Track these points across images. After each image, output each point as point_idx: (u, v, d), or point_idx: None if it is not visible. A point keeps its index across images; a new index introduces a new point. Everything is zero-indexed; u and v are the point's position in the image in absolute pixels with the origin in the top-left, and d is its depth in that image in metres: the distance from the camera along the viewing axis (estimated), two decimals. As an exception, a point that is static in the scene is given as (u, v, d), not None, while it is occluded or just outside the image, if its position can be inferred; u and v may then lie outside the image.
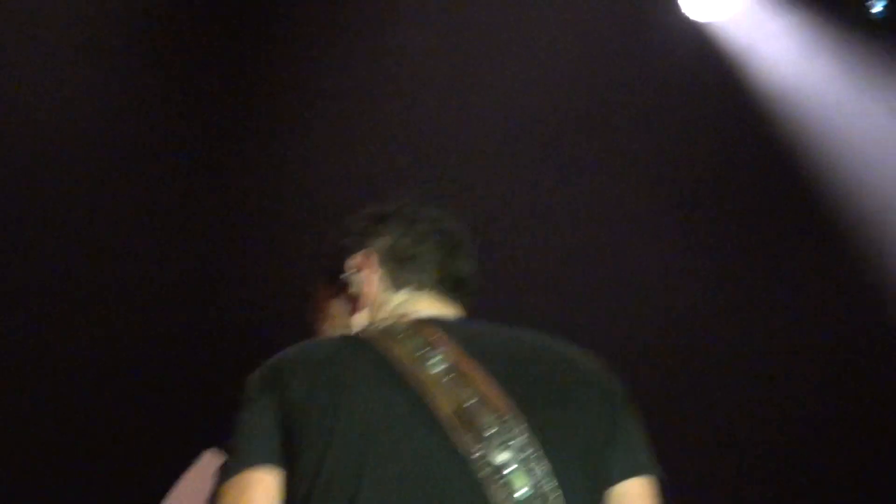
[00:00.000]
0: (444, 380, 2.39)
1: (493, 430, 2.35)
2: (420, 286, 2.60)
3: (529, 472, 2.33)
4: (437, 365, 2.41)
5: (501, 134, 5.61)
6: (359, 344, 2.45)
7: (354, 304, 2.61)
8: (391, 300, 2.60)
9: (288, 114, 5.68)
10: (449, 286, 2.62)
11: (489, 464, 2.33)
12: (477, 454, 2.33)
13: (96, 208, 5.49)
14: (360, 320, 2.60)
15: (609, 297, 5.67)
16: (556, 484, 2.34)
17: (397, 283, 2.61)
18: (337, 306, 2.64)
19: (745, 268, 5.80)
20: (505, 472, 2.33)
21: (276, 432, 2.37)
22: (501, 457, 2.34)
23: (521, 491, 2.33)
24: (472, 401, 2.37)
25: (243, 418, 2.40)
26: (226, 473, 2.37)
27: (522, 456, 2.34)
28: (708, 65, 5.64)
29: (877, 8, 5.54)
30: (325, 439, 2.33)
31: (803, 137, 5.68)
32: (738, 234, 5.78)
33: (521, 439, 2.35)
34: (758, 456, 5.75)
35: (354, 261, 2.62)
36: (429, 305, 2.59)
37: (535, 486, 2.33)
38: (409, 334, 2.45)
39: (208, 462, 2.93)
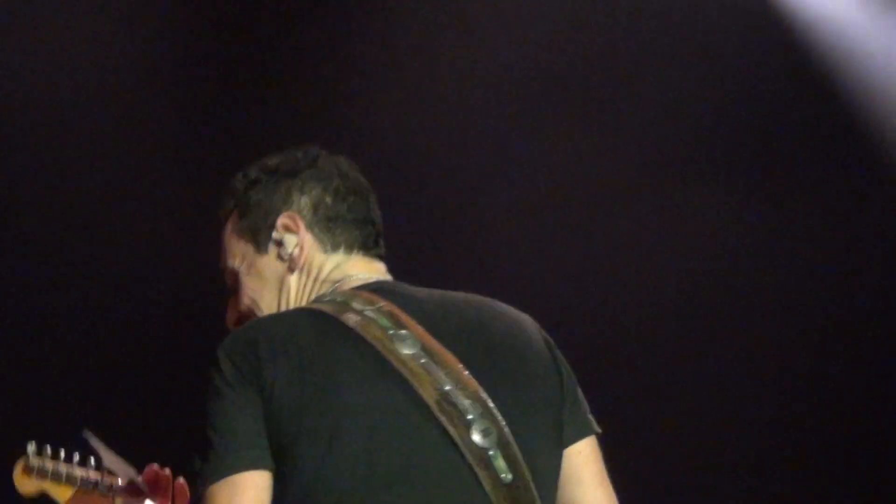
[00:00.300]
0: (421, 362, 2.39)
1: (471, 415, 2.37)
2: (349, 247, 2.58)
3: (508, 454, 2.37)
4: (409, 346, 2.40)
5: (501, 79, 5.50)
6: (329, 323, 2.41)
7: (289, 265, 2.57)
8: (325, 263, 2.57)
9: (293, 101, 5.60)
10: (371, 241, 2.61)
11: (477, 449, 2.36)
12: (465, 439, 2.36)
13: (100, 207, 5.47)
14: (294, 282, 2.57)
15: (624, 253, 5.56)
16: (532, 463, 2.39)
17: (327, 245, 2.57)
18: (268, 266, 2.59)
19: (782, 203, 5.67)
20: (489, 455, 2.37)
21: (262, 431, 2.31)
22: (484, 441, 2.37)
23: (505, 474, 2.37)
24: (449, 385, 2.38)
25: (223, 410, 2.33)
26: (210, 475, 2.30)
27: (501, 439, 2.37)
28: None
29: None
30: (323, 445, 2.31)
31: (834, 71, 5.60)
32: (766, 174, 5.64)
33: (496, 422, 2.38)
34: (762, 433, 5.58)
35: (283, 220, 2.58)
36: (362, 267, 2.58)
37: (515, 469, 2.37)
38: (374, 309, 2.43)
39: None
